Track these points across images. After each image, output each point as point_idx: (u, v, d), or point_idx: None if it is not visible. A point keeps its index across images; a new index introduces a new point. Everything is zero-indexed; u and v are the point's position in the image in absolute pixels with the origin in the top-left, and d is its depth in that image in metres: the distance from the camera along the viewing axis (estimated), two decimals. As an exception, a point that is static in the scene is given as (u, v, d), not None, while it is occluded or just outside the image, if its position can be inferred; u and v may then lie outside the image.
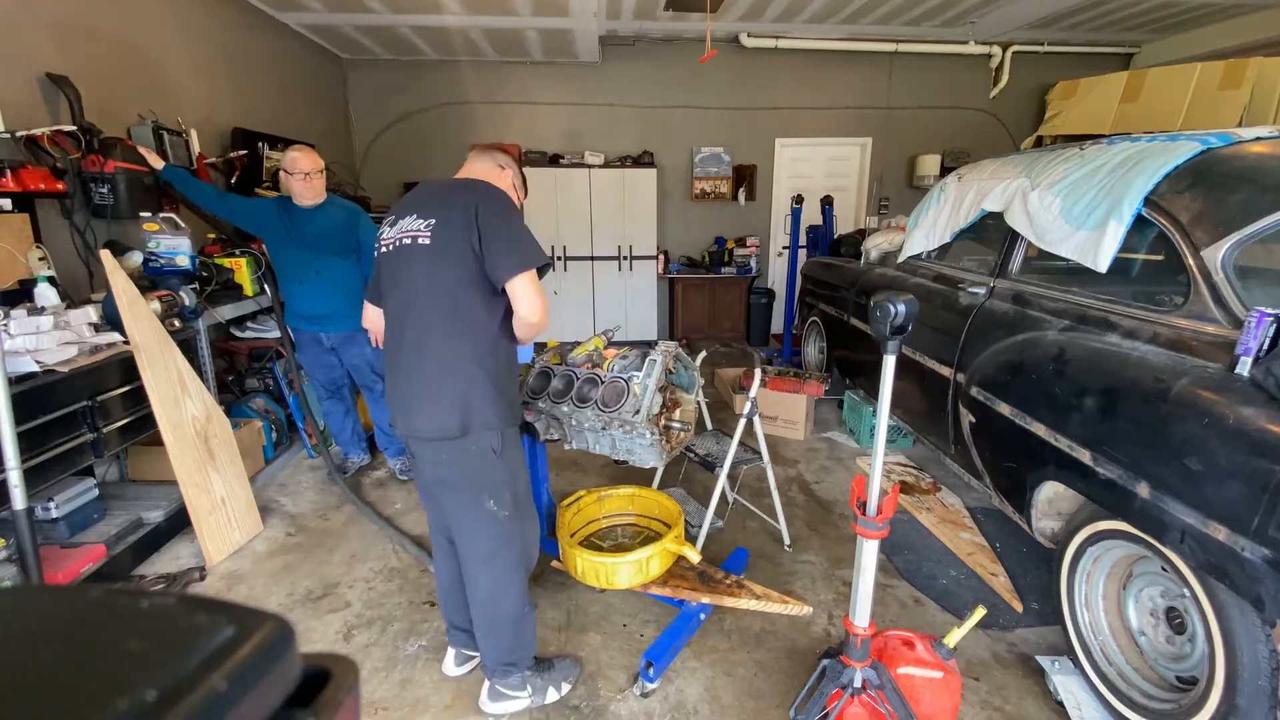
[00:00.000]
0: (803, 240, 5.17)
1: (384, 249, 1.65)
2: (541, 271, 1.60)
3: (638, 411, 2.00)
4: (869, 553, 1.48)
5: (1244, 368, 1.36)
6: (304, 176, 2.77)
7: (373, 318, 1.93)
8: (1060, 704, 1.80)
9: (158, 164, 2.93)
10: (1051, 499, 1.96)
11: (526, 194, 1.87)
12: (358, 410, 3.37)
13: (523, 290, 1.55)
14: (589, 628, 2.14)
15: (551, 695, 1.83)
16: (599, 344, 2.25)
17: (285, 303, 3.07)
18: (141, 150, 2.89)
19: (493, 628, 1.74)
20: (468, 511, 1.67)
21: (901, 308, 1.30)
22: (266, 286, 3.27)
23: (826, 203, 5.06)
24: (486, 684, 1.80)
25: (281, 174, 2.86)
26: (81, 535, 2.41)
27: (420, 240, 1.57)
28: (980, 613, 1.61)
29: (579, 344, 2.35)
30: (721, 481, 2.43)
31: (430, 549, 2.06)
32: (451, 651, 1.94)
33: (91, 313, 2.36)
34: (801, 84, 6.04)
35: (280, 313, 3.28)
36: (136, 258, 2.78)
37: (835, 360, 4.07)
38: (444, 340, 1.57)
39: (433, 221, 1.56)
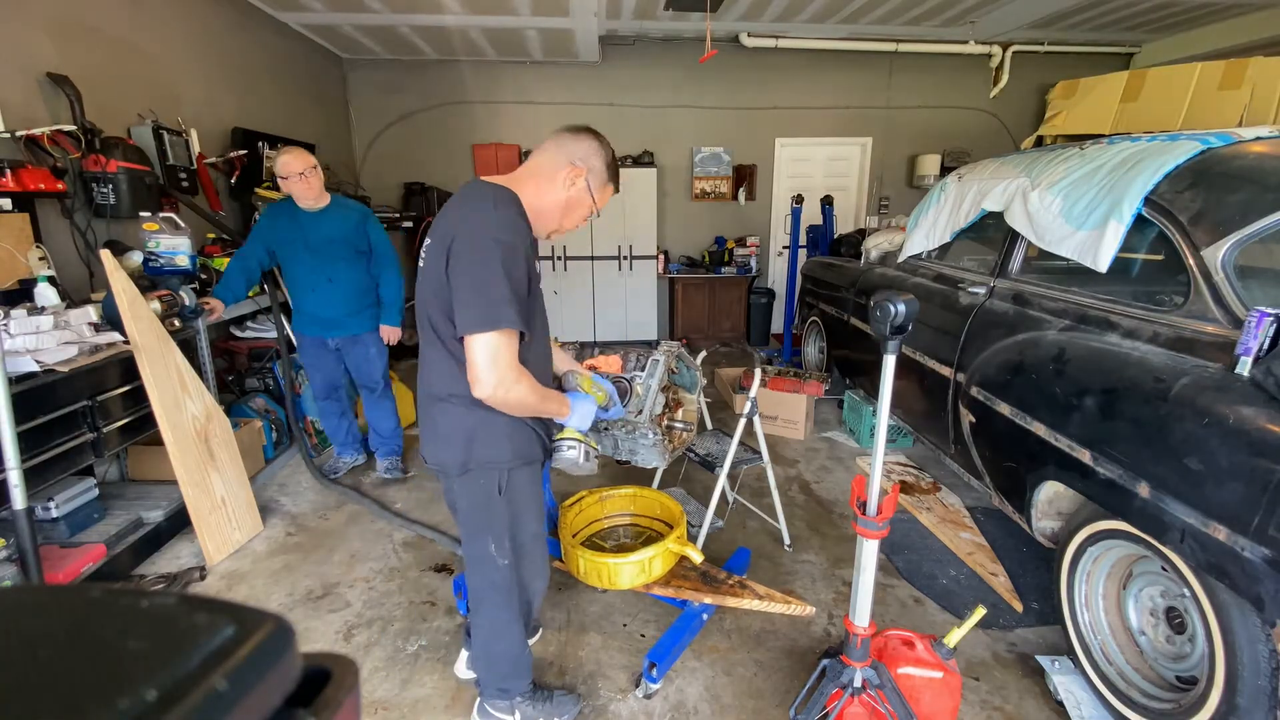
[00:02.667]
0: (803, 240, 5.17)
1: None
2: (522, 335, 1.31)
3: (640, 412, 2.00)
4: (869, 552, 1.48)
5: (1244, 368, 1.36)
6: (299, 178, 2.70)
7: None
8: (1060, 704, 1.80)
9: (219, 306, 2.85)
10: (1051, 499, 1.96)
11: (615, 188, 1.52)
12: (354, 412, 3.37)
13: (473, 354, 1.25)
14: (589, 627, 2.14)
15: None
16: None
17: (294, 306, 3.02)
18: (207, 304, 2.80)
19: (488, 661, 1.67)
20: (470, 546, 1.54)
21: (901, 307, 1.30)
22: (267, 286, 3.27)
23: (826, 202, 5.06)
24: (478, 700, 1.76)
25: (279, 181, 2.81)
26: (81, 535, 2.41)
27: (420, 263, 1.41)
28: (980, 612, 1.61)
29: (584, 347, 2.34)
30: (722, 481, 2.43)
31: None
32: (465, 654, 1.89)
33: (91, 312, 2.36)
34: (801, 84, 6.04)
35: (278, 314, 3.27)
36: (136, 257, 2.77)
37: (835, 360, 4.07)
38: (443, 370, 1.39)
39: (430, 243, 1.37)
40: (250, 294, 3.23)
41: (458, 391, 1.37)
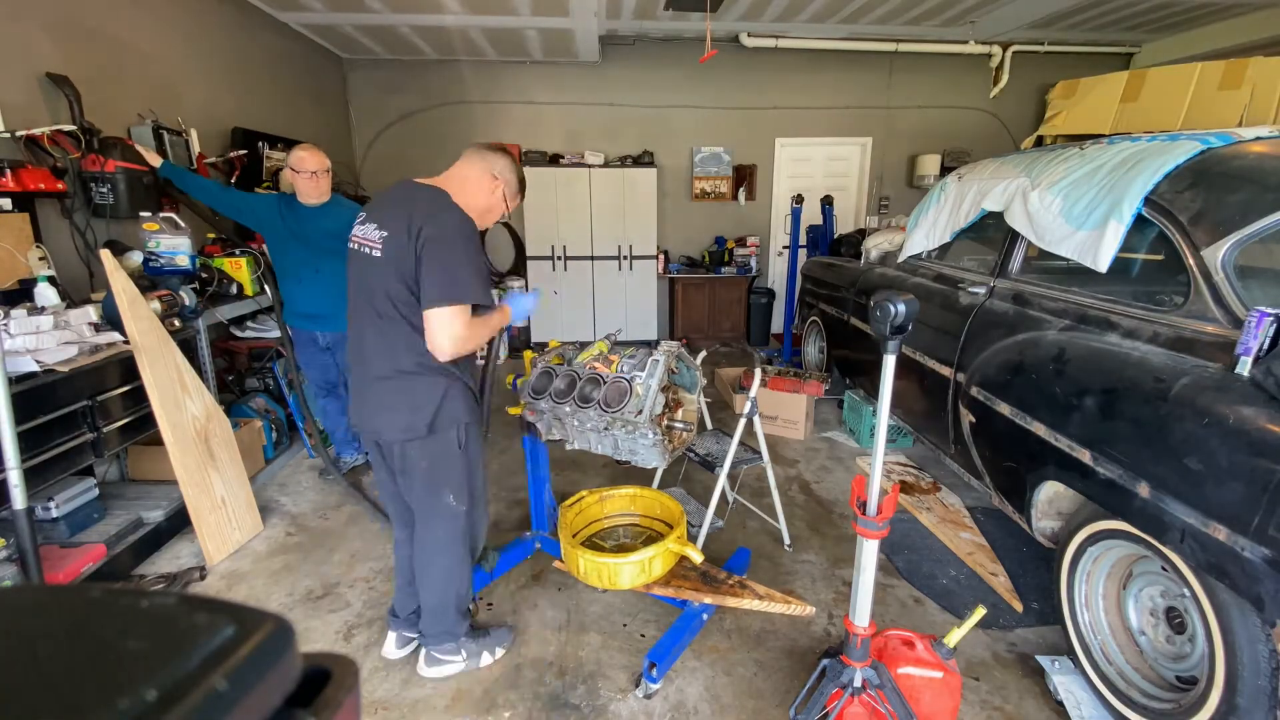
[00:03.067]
0: (803, 240, 5.17)
1: (351, 246, 1.64)
2: (479, 308, 1.60)
3: (640, 412, 2.00)
4: (869, 552, 1.48)
5: (1244, 368, 1.36)
6: (310, 175, 2.77)
7: None
8: (1060, 704, 1.80)
9: (155, 161, 2.93)
10: (1051, 499, 1.96)
11: (522, 199, 1.85)
12: None
13: (435, 323, 1.52)
14: (589, 627, 2.14)
15: (485, 659, 1.94)
16: (603, 348, 2.26)
17: (284, 300, 3.07)
18: (139, 148, 2.89)
19: (438, 606, 1.84)
20: (428, 503, 1.75)
21: (901, 307, 1.30)
22: (266, 286, 3.27)
23: (826, 202, 5.06)
24: (423, 652, 1.91)
25: (287, 172, 2.86)
26: (81, 535, 2.41)
27: (374, 252, 1.57)
28: (980, 612, 1.61)
29: (584, 347, 2.34)
30: (722, 481, 2.43)
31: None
32: (392, 635, 2.00)
33: (91, 312, 2.36)
34: (801, 84, 6.04)
35: (279, 310, 3.28)
36: (136, 257, 2.77)
37: (835, 360, 4.07)
38: (406, 349, 1.59)
39: (386, 235, 1.55)
40: (251, 293, 3.23)
41: (434, 366, 1.61)
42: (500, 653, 1.98)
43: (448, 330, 1.53)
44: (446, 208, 1.56)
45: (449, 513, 1.76)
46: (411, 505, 1.81)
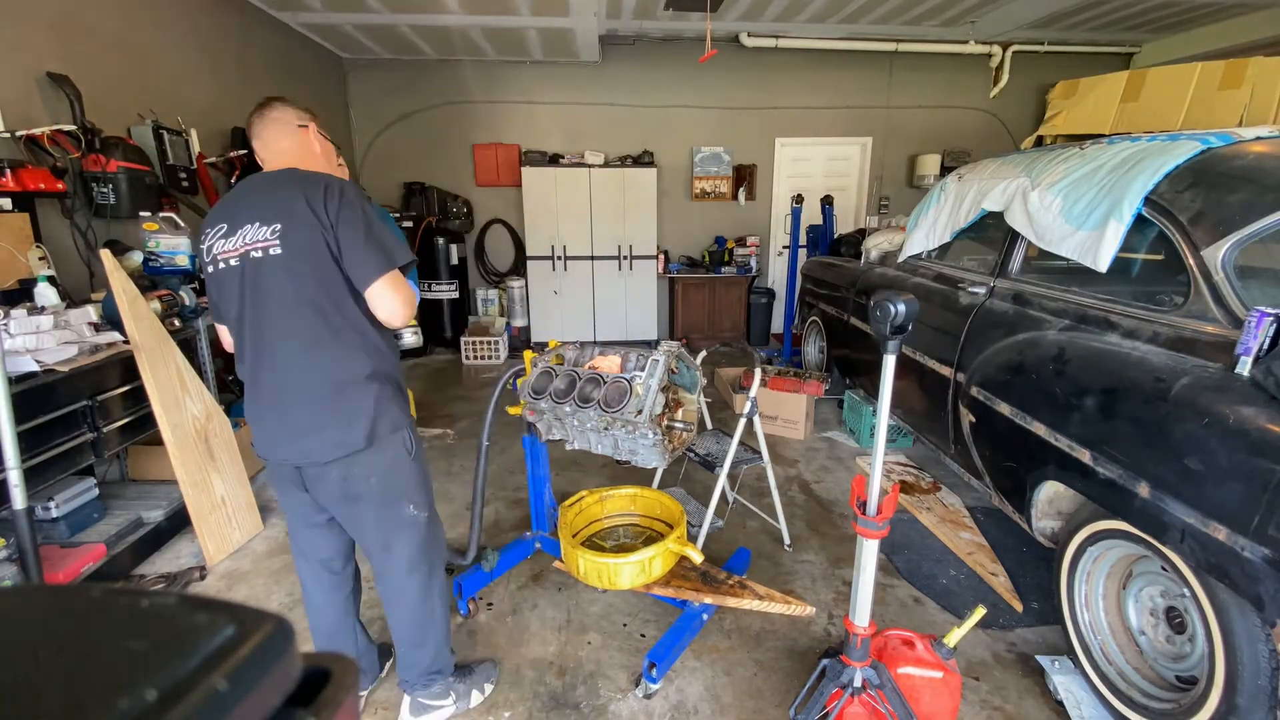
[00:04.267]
0: (803, 240, 5.17)
1: (225, 264, 1.41)
2: (406, 268, 1.46)
3: (640, 412, 1.99)
4: (869, 552, 1.48)
5: (1244, 368, 1.36)
6: None
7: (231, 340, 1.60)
8: (1060, 703, 1.80)
9: None
10: (1051, 499, 1.96)
11: (340, 153, 1.68)
12: None
13: (380, 296, 1.40)
14: (589, 627, 2.14)
15: (475, 698, 1.80)
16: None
17: None
18: None
19: (420, 637, 1.68)
20: (386, 523, 1.56)
21: (901, 307, 1.30)
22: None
23: (826, 202, 5.06)
24: (407, 700, 1.73)
25: None
26: (81, 535, 2.41)
27: (271, 250, 1.37)
28: (980, 612, 1.61)
29: (584, 347, 2.34)
30: (722, 481, 2.43)
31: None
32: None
33: (91, 312, 2.36)
34: (801, 84, 6.04)
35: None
36: (137, 257, 2.78)
37: (835, 360, 4.07)
38: (331, 354, 1.42)
39: (278, 226, 1.36)
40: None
41: (363, 370, 1.46)
42: (489, 689, 1.85)
43: (392, 298, 1.41)
44: (327, 176, 1.42)
45: (410, 524, 1.58)
46: (360, 539, 1.60)
